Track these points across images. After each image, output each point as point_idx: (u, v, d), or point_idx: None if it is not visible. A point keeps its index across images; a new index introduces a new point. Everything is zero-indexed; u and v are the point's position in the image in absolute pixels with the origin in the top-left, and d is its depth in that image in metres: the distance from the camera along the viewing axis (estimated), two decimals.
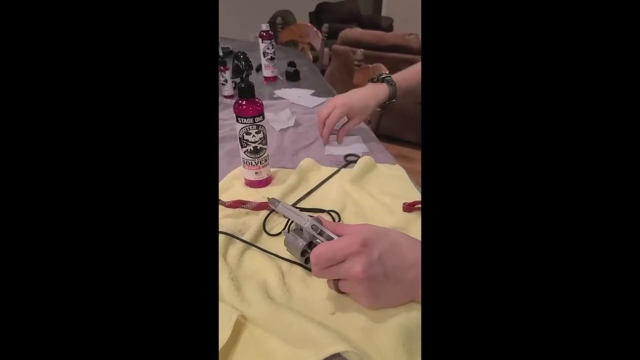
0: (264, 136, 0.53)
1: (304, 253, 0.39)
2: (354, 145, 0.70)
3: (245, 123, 0.51)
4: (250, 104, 0.51)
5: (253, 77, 1.14)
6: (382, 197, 0.54)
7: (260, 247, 0.44)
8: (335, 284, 0.35)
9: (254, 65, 1.20)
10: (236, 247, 0.43)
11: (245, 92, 0.51)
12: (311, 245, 0.39)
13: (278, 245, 0.44)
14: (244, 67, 0.49)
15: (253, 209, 0.51)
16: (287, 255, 0.43)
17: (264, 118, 0.53)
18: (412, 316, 0.35)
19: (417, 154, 1.87)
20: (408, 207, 0.51)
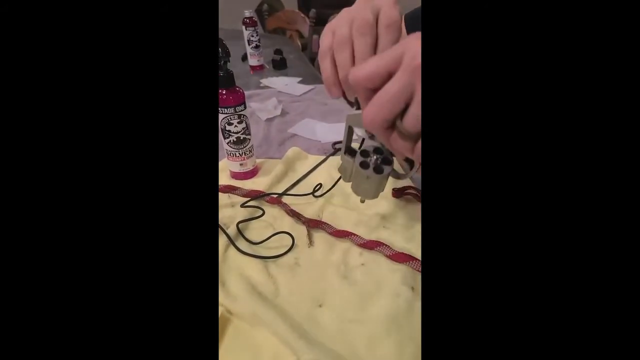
0: (246, 126, 0.52)
1: (364, 154, 0.31)
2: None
3: (226, 113, 0.50)
4: (230, 93, 0.49)
5: (239, 67, 1.11)
6: None
7: (245, 240, 0.43)
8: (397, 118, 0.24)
9: (240, 54, 1.18)
10: (220, 241, 0.42)
11: (225, 81, 0.49)
12: (378, 150, 0.31)
13: (262, 239, 0.43)
14: (221, 55, 0.47)
15: (243, 196, 0.50)
16: (269, 252, 0.42)
17: (245, 107, 0.51)
18: (399, 304, 0.35)
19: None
20: (397, 193, 0.50)
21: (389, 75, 0.22)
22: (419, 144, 0.23)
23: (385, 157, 0.31)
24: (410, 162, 0.31)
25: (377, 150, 0.32)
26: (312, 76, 1.02)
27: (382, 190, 0.34)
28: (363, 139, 0.33)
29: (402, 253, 0.39)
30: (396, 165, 0.33)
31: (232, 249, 0.42)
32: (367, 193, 0.34)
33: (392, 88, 0.22)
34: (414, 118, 0.22)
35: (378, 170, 0.31)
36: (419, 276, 0.38)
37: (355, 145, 0.35)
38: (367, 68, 0.23)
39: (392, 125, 0.24)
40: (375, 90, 0.23)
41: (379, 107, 0.23)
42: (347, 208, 0.49)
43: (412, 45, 0.21)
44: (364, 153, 0.31)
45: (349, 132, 0.33)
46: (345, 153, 0.34)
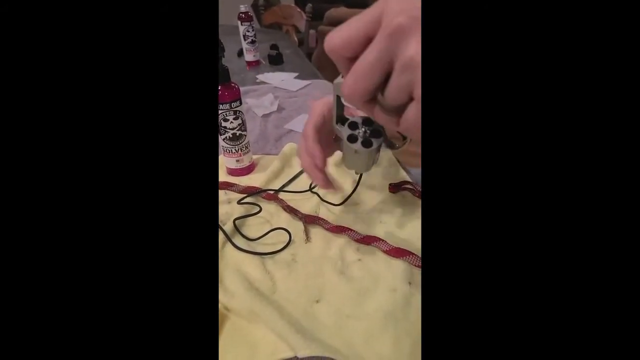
0: (242, 122, 0.52)
1: (352, 126, 0.29)
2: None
3: (221, 109, 0.49)
4: (226, 89, 0.49)
5: (235, 62, 1.11)
6: (366, 178, 0.53)
7: (242, 236, 0.43)
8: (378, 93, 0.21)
9: (236, 50, 1.17)
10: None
11: (220, 76, 0.49)
12: (367, 121, 0.29)
13: (259, 235, 0.43)
14: None
15: (240, 192, 0.50)
16: (266, 249, 0.42)
17: (241, 103, 0.51)
18: (396, 299, 0.35)
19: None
20: (394, 188, 0.50)
21: (368, 40, 0.20)
22: (406, 116, 0.21)
23: (374, 129, 0.29)
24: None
25: (366, 122, 0.29)
26: (308, 72, 1.02)
27: (375, 162, 0.32)
28: (343, 106, 0.30)
29: (399, 248, 0.39)
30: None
31: (229, 246, 0.42)
32: (358, 166, 0.32)
33: (369, 56, 0.20)
34: (394, 90, 0.20)
35: (366, 144, 0.29)
36: (415, 271, 0.38)
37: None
38: (343, 34, 0.20)
39: (373, 97, 0.21)
40: (355, 59, 0.20)
41: (356, 78, 0.20)
42: (344, 203, 0.49)
43: (391, 4, 0.19)
44: (353, 125, 0.29)
45: (338, 101, 0.30)
46: (337, 123, 0.31)
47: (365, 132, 0.29)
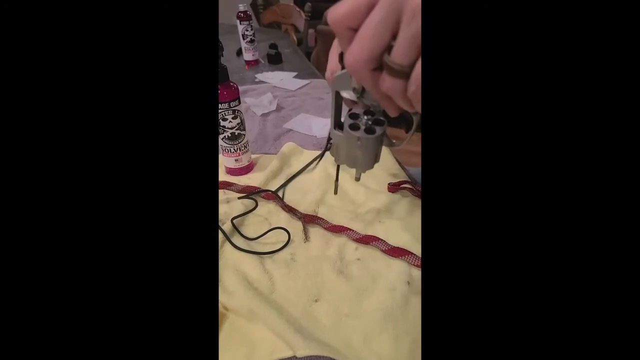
0: (241, 121, 0.51)
1: (353, 116, 0.28)
2: None
3: (220, 108, 0.49)
4: (224, 88, 0.49)
5: (234, 62, 1.10)
6: (365, 178, 0.53)
7: (241, 236, 0.43)
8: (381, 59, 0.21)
9: (235, 49, 1.17)
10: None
11: (219, 76, 0.48)
12: (368, 112, 0.28)
13: (258, 235, 0.43)
14: None
15: (239, 192, 0.50)
16: (265, 248, 0.42)
17: (240, 102, 0.50)
18: (395, 298, 0.35)
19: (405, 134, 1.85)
20: (393, 188, 0.50)
21: (372, 8, 0.20)
22: (413, 82, 0.20)
23: (376, 119, 0.29)
24: (407, 124, 0.28)
25: (367, 112, 0.29)
26: (307, 71, 1.02)
27: (377, 159, 0.31)
28: (341, 107, 0.29)
29: (398, 247, 0.39)
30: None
31: (227, 245, 0.42)
32: (361, 162, 0.31)
33: (375, 17, 0.20)
34: (403, 46, 0.19)
35: (370, 131, 0.28)
36: (414, 270, 0.38)
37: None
38: (347, 3, 0.21)
39: (379, 64, 0.21)
40: (357, 31, 0.21)
41: (362, 41, 0.20)
42: (343, 203, 0.49)
43: None
44: (353, 115, 0.29)
45: (337, 100, 0.29)
46: (335, 127, 0.30)
47: (367, 120, 0.29)
